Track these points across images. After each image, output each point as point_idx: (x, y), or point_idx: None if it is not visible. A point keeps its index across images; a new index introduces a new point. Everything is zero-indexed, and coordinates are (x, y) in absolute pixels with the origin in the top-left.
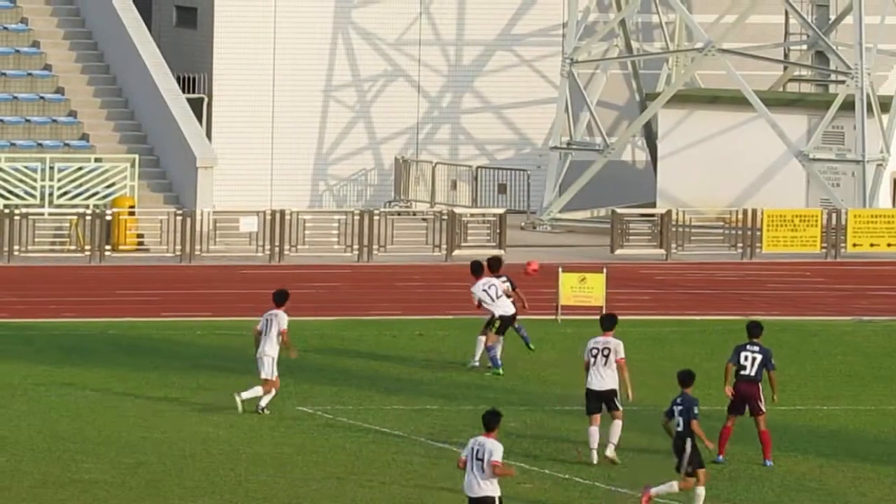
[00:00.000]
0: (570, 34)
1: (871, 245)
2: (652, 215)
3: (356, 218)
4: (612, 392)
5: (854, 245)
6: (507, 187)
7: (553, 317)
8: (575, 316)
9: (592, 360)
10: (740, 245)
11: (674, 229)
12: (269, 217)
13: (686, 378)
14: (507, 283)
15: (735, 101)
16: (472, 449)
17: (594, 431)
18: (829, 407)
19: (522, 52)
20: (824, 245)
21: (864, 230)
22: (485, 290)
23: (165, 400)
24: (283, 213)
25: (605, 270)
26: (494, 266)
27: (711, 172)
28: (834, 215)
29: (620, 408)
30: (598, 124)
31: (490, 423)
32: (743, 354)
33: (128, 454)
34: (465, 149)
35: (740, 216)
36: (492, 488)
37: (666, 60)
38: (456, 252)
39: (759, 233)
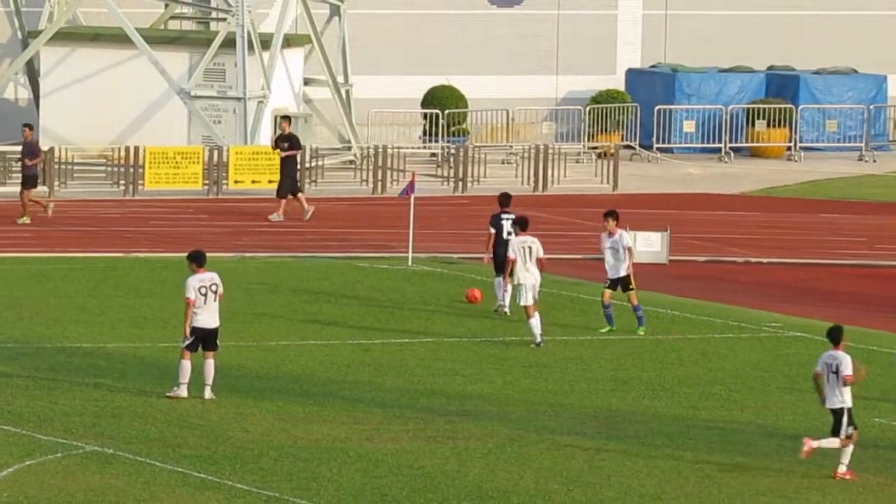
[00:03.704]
0: None
1: (253, 182)
2: None
3: None
4: (216, 331)
5: (236, 182)
6: None
7: None
8: None
9: (202, 298)
10: (122, 182)
11: (57, 167)
12: None
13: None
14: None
15: (117, 38)
16: (827, 364)
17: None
18: None
19: None
20: (206, 182)
21: (246, 167)
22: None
23: None
24: None
25: None
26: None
27: (94, 110)
28: (216, 152)
29: (217, 347)
30: None
31: (835, 337)
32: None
33: None
34: None
35: (122, 154)
36: (846, 399)
37: None
38: None
39: (141, 170)
